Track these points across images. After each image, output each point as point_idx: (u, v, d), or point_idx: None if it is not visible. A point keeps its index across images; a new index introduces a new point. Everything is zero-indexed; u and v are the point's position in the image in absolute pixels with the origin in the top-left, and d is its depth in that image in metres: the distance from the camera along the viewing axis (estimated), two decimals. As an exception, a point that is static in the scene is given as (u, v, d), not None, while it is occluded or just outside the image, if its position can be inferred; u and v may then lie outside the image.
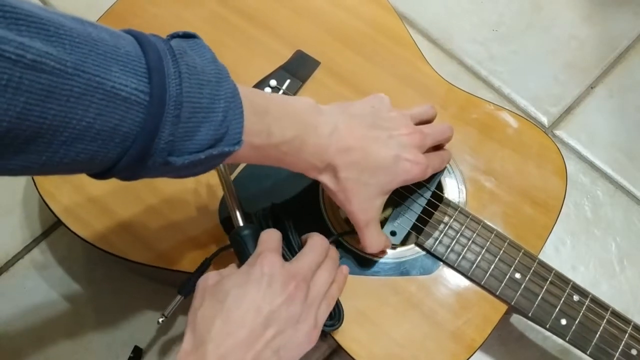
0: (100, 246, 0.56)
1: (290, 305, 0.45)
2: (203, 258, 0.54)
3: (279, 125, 0.43)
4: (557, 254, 0.69)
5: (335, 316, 0.51)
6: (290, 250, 0.51)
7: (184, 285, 0.53)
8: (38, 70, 0.30)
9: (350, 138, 0.48)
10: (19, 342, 0.63)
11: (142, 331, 0.63)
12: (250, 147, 0.42)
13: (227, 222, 0.57)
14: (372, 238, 0.52)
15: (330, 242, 0.53)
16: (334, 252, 0.52)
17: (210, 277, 0.47)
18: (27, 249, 0.68)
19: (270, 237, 0.49)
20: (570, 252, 0.69)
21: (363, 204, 0.50)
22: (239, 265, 0.49)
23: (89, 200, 0.58)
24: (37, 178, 0.59)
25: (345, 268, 0.52)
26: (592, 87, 0.78)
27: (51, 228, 0.68)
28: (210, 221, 0.57)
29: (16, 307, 0.64)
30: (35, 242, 0.68)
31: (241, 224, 0.52)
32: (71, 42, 0.32)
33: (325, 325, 0.49)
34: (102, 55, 0.33)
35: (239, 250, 0.51)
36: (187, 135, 0.36)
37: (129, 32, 0.37)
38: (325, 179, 0.49)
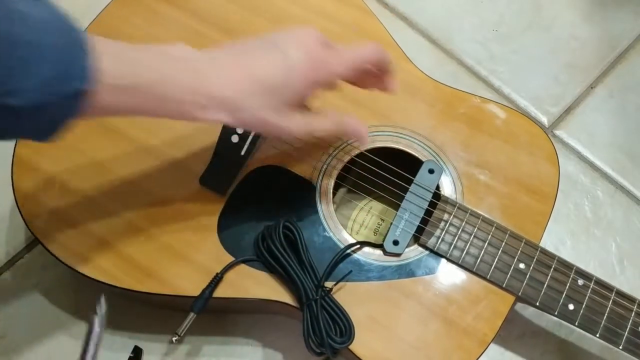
0: (90, 275, 0.56)
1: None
2: (204, 278, 0.54)
3: (148, 66, 0.41)
4: (557, 254, 0.69)
5: (346, 333, 0.51)
6: (300, 263, 0.51)
7: (197, 302, 0.52)
8: None
9: (235, 67, 0.44)
10: (19, 342, 0.63)
11: (142, 331, 0.63)
12: (116, 90, 0.39)
13: (226, 235, 0.56)
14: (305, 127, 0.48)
15: (338, 257, 0.53)
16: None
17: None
18: (27, 249, 0.67)
19: None
20: (570, 252, 0.69)
21: (287, 125, 0.46)
22: None
23: (78, 231, 0.57)
24: (18, 196, 0.58)
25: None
26: (592, 87, 0.78)
27: (51, 227, 0.68)
28: (209, 236, 0.56)
29: (16, 307, 0.64)
30: (36, 242, 0.68)
31: None
32: None
33: (335, 342, 0.49)
34: None
35: None
36: (14, 72, 0.34)
37: None
38: (220, 115, 0.44)
